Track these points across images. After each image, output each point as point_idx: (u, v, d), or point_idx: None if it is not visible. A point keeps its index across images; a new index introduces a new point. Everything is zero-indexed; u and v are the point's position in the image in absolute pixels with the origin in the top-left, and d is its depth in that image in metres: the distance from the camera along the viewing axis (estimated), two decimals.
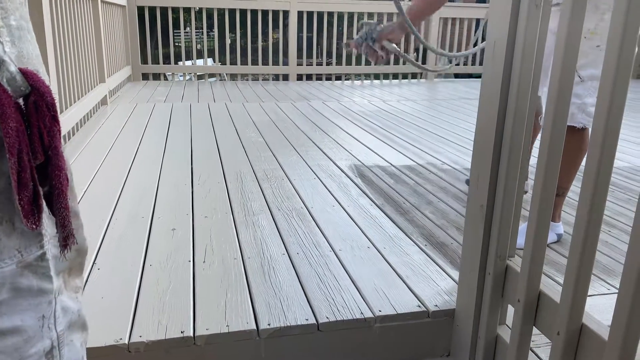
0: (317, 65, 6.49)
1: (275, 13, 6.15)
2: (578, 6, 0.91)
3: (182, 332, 1.18)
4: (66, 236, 0.65)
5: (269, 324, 1.22)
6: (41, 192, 0.60)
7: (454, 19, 6.73)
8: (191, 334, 1.18)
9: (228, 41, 6.08)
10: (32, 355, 0.64)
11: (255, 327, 1.21)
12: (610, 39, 0.81)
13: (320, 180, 2.34)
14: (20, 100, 0.58)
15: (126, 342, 1.14)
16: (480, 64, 7.03)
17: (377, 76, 6.73)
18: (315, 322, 1.24)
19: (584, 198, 0.89)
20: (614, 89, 0.82)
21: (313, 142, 3.12)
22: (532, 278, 1.05)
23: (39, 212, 0.60)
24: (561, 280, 1.51)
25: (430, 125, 3.79)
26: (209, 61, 7.41)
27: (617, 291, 1.48)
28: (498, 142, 1.14)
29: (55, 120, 0.59)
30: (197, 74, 6.41)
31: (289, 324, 1.23)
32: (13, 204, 0.60)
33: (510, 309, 1.28)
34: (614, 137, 0.84)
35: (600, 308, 1.38)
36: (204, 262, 1.52)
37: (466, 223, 1.27)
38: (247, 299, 1.33)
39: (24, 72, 0.56)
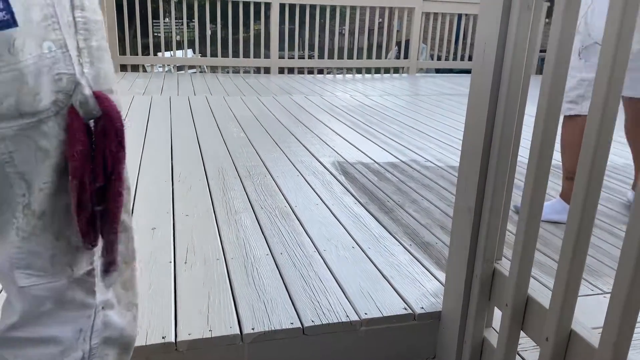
0: (299, 58, 6.43)
1: (257, 5, 6.07)
2: (572, 4, 0.89)
3: (163, 337, 1.15)
4: (111, 262, 0.66)
5: (253, 328, 1.20)
6: (98, 214, 0.62)
7: (436, 14, 6.73)
8: (173, 340, 1.14)
9: (208, 32, 5.98)
10: None
11: (239, 332, 1.18)
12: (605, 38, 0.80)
13: (304, 178, 2.32)
14: (91, 122, 0.59)
15: None
16: (462, 59, 7.07)
17: (359, 70, 6.70)
18: (300, 325, 1.22)
19: (576, 203, 0.88)
20: (607, 97, 0.81)
21: (296, 137, 3.09)
22: (520, 283, 1.04)
23: (95, 232, 0.62)
24: (545, 281, 1.51)
25: (412, 121, 3.78)
26: (189, 52, 7.30)
27: (600, 292, 1.49)
28: (487, 144, 1.12)
29: (121, 146, 0.60)
30: (177, 65, 6.29)
31: (273, 328, 1.20)
32: (70, 222, 0.61)
33: (497, 312, 1.28)
34: (606, 145, 0.83)
35: (584, 309, 1.38)
36: (185, 263, 1.48)
37: (453, 225, 1.25)
38: (230, 301, 1.30)
39: (97, 96, 0.58)
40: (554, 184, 2.40)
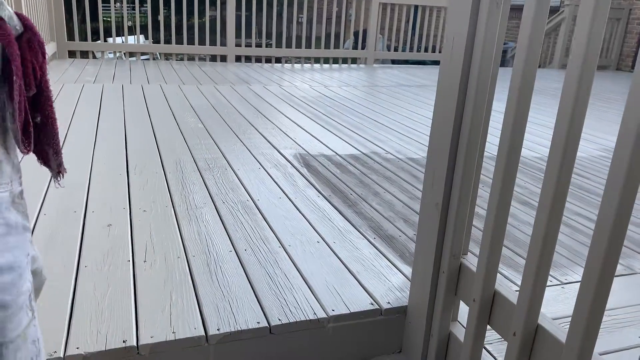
0: (256, 46, 6.33)
1: None
2: (541, 5, 0.89)
3: (124, 341, 1.09)
4: (59, 163, 0.73)
5: (218, 329, 1.16)
6: (31, 122, 0.65)
7: (393, 5, 6.76)
8: (134, 343, 1.09)
9: (162, 17, 5.79)
10: (24, 292, 0.66)
11: (203, 333, 1.15)
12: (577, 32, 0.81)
13: (266, 170, 2.28)
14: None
15: (61, 355, 1.04)
16: (418, 50, 7.14)
17: (317, 60, 6.67)
18: (267, 324, 1.19)
19: (545, 198, 0.88)
20: (578, 89, 0.81)
21: (256, 128, 3.04)
22: (487, 278, 1.05)
23: (30, 139, 0.65)
24: (507, 274, 1.54)
25: (371, 112, 3.79)
26: (141, 38, 7.05)
27: (558, 282, 1.53)
28: (455, 140, 1.12)
29: (44, 57, 0.66)
30: (129, 52, 6.07)
31: (239, 328, 1.17)
32: (6, 133, 0.64)
33: (463, 306, 1.29)
34: (575, 142, 0.84)
35: (544, 300, 1.42)
36: (144, 261, 1.42)
37: (420, 220, 1.25)
38: (193, 301, 1.25)
39: (18, 14, 0.63)
40: (521, 180, 2.45)
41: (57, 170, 0.73)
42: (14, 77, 0.61)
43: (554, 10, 8.19)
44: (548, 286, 1.51)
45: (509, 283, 1.48)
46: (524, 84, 0.93)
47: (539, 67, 8.28)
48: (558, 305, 1.42)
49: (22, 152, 0.65)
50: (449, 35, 1.10)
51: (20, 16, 0.64)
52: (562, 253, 1.70)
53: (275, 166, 2.35)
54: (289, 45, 6.40)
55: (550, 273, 1.58)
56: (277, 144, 2.72)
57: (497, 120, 3.44)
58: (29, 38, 0.64)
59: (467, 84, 1.08)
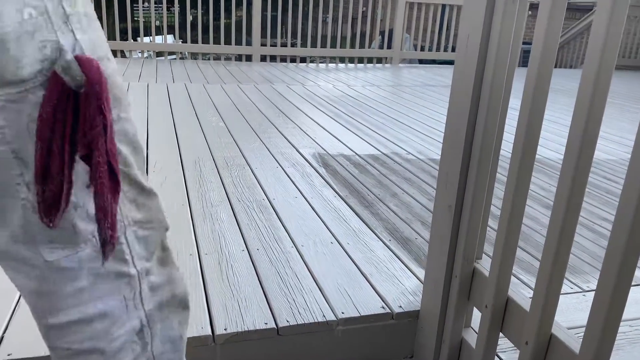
0: (281, 46, 6.34)
1: None
2: (557, 7, 0.86)
3: None
4: (103, 241, 0.63)
5: (225, 329, 1.15)
6: (68, 190, 0.58)
7: (420, 4, 6.69)
8: None
9: (189, 18, 5.85)
10: (122, 335, 0.66)
11: (210, 332, 1.14)
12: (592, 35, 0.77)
13: (283, 170, 2.27)
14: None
15: None
16: (445, 50, 7.05)
17: (342, 59, 6.64)
18: (275, 326, 1.18)
19: (559, 201, 0.85)
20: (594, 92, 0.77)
21: (276, 128, 3.03)
22: (500, 284, 1.02)
23: (57, 211, 0.58)
24: (523, 278, 1.49)
25: (394, 112, 3.75)
26: (169, 38, 7.14)
27: (579, 290, 1.48)
28: (469, 141, 1.09)
29: (101, 111, 0.56)
30: (156, 51, 6.16)
31: (247, 329, 1.16)
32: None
33: (476, 312, 1.25)
34: (593, 138, 0.80)
35: (562, 308, 1.37)
36: None
37: (433, 223, 1.22)
38: (202, 300, 1.25)
39: (80, 60, 0.54)
40: (544, 182, 2.39)
41: (102, 248, 0.63)
42: (35, 139, 0.55)
43: (587, 9, 7.98)
44: (569, 293, 1.45)
45: (527, 289, 1.44)
46: (539, 84, 0.89)
47: (570, 67, 8.08)
48: (579, 313, 1.37)
49: (42, 222, 0.59)
50: (463, 33, 1.07)
51: (82, 62, 0.55)
52: (584, 259, 1.64)
53: (293, 165, 2.34)
54: (314, 45, 6.39)
55: (572, 280, 1.52)
56: (296, 143, 2.71)
57: (516, 120, 3.36)
58: (85, 89, 0.55)
59: (482, 84, 1.04)
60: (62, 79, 0.54)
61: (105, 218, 0.61)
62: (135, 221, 0.66)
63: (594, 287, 1.48)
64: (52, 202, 0.57)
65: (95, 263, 0.63)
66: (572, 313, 1.37)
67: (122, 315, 0.66)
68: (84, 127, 0.56)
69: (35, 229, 0.59)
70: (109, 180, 0.59)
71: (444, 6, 6.82)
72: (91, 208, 0.60)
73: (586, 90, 0.79)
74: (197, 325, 1.15)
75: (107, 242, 0.62)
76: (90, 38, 0.58)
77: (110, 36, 5.72)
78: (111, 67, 0.60)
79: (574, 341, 0.89)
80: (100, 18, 5.50)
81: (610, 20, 0.74)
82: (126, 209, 0.65)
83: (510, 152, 2.73)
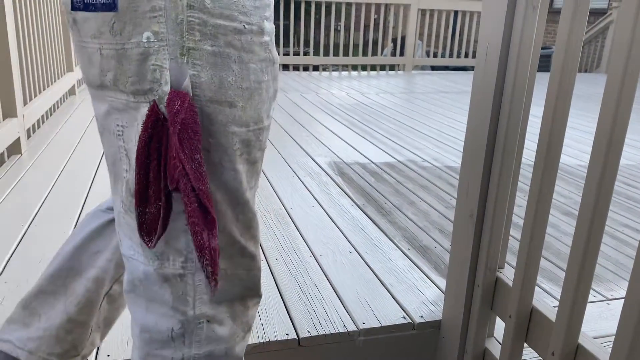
0: (294, 55, 6.37)
1: None
2: (580, 11, 0.85)
3: None
4: (207, 275, 0.62)
5: None
6: (165, 217, 0.59)
7: (432, 11, 6.68)
8: None
9: None
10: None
11: None
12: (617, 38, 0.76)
13: (299, 179, 2.27)
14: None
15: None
16: (458, 56, 7.03)
17: (354, 67, 6.65)
18: (295, 337, 1.18)
19: (585, 210, 0.83)
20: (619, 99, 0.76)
21: (291, 137, 3.04)
22: (524, 294, 1.00)
23: (156, 234, 0.59)
24: (546, 287, 1.47)
25: (409, 119, 3.74)
26: None
27: (603, 298, 1.45)
28: (490, 148, 1.08)
29: (177, 152, 0.55)
30: None
31: (268, 339, 1.16)
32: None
33: (499, 321, 1.24)
34: (619, 146, 0.79)
35: (586, 316, 1.35)
36: None
37: (454, 231, 1.21)
38: None
39: (169, 94, 0.55)
40: (565, 190, 2.36)
41: (207, 282, 0.63)
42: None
43: (601, 13, 7.91)
44: (592, 302, 1.43)
45: (550, 298, 1.42)
46: (561, 90, 0.89)
47: (586, 71, 8.01)
48: (602, 322, 1.34)
49: (143, 242, 0.61)
50: (482, 40, 1.06)
51: (168, 99, 0.55)
52: (607, 267, 1.61)
53: (309, 174, 2.34)
54: (326, 53, 6.41)
55: (595, 288, 1.50)
56: (311, 152, 2.72)
57: (533, 126, 3.33)
58: (167, 131, 0.56)
59: (502, 91, 1.04)
60: (156, 107, 0.56)
61: (202, 255, 0.60)
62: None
63: (618, 296, 1.46)
64: (151, 224, 0.59)
65: (152, 283, 0.63)
66: (596, 322, 1.34)
67: (163, 339, 0.64)
68: (164, 162, 0.57)
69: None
70: (202, 219, 0.58)
71: (456, 12, 6.81)
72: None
73: (611, 96, 0.78)
74: None
75: (210, 279, 0.62)
76: (209, 77, 0.57)
77: None
78: (234, 114, 0.59)
79: (602, 351, 0.87)
80: None
81: (635, 24, 0.73)
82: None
83: (529, 159, 2.70)
